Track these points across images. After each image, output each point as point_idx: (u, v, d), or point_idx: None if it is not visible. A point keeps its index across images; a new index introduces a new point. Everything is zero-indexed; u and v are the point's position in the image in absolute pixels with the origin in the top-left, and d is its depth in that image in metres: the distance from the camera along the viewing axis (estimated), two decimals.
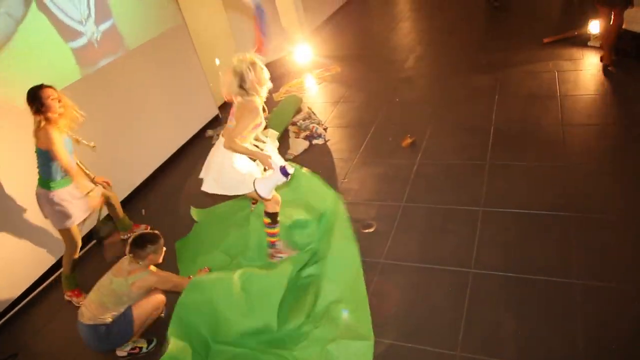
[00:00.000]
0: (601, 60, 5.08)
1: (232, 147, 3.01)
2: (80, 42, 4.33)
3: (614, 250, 2.96)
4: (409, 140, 4.52)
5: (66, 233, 3.45)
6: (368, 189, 4.08)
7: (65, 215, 3.36)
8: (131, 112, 4.89)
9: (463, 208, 3.60)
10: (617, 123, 4.20)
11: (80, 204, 3.42)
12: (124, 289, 2.92)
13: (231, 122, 3.13)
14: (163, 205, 4.71)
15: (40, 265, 3.99)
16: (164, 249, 3.14)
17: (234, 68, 2.97)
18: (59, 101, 3.20)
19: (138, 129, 4.97)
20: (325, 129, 5.18)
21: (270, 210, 3.32)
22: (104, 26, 4.56)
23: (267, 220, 3.34)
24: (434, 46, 7.04)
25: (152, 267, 3.07)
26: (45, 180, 3.29)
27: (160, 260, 3.13)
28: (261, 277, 3.04)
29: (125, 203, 4.64)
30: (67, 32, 4.20)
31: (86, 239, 4.32)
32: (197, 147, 5.64)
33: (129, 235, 4.12)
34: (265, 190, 3.08)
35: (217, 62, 6.43)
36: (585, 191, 3.48)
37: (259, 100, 3.06)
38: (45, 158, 3.22)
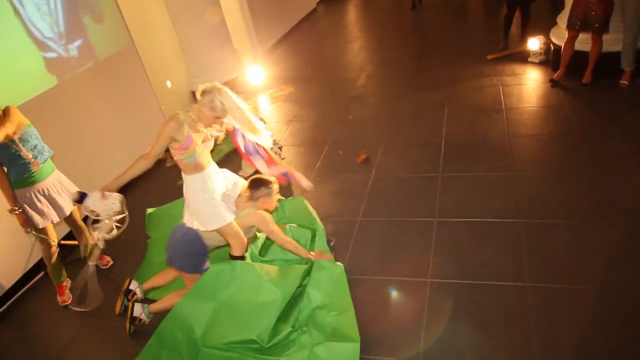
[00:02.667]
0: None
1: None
2: (52, 54, 4.47)
3: (561, 253, 3.09)
4: (363, 156, 4.59)
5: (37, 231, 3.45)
6: (325, 206, 4.10)
7: (30, 216, 3.37)
8: (81, 136, 4.74)
9: (418, 220, 3.66)
10: (559, 132, 4.41)
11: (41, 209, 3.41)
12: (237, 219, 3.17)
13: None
14: None
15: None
16: (277, 197, 3.39)
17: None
18: None
19: (89, 153, 4.81)
20: (280, 148, 5.18)
21: (235, 254, 3.21)
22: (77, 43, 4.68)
23: None
24: (384, 65, 7.22)
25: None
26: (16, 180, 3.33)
27: (272, 208, 3.40)
28: (269, 287, 2.99)
29: None
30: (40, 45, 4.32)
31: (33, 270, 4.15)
32: (150, 171, 5.50)
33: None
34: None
35: (169, 84, 6.37)
36: (532, 197, 3.62)
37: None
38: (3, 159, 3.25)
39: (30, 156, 3.29)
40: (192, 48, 6.65)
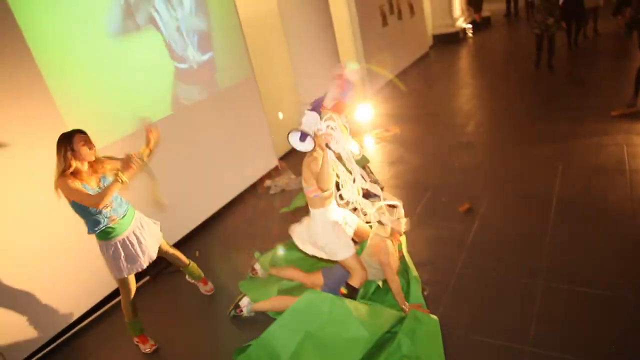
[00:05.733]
0: None
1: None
2: (183, 65, 4.99)
3: None
4: (466, 206, 4.45)
5: (119, 281, 3.33)
6: (422, 252, 4.00)
7: (115, 267, 3.23)
8: (195, 156, 5.11)
9: (522, 280, 3.44)
10: None
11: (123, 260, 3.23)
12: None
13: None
14: (217, 249, 4.82)
15: (95, 294, 4.16)
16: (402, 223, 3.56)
17: None
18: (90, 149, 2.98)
19: (200, 173, 5.17)
20: (381, 189, 5.17)
21: (353, 284, 3.23)
22: (204, 57, 5.25)
23: (344, 291, 3.24)
24: (494, 113, 7.01)
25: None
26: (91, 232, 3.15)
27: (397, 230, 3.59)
28: (356, 325, 2.96)
29: (179, 244, 4.78)
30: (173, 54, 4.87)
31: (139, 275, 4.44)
32: (254, 195, 5.77)
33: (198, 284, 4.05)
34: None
35: (281, 116, 6.67)
36: None
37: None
38: (77, 212, 3.07)
39: (110, 209, 3.09)
40: (306, 82, 6.92)
